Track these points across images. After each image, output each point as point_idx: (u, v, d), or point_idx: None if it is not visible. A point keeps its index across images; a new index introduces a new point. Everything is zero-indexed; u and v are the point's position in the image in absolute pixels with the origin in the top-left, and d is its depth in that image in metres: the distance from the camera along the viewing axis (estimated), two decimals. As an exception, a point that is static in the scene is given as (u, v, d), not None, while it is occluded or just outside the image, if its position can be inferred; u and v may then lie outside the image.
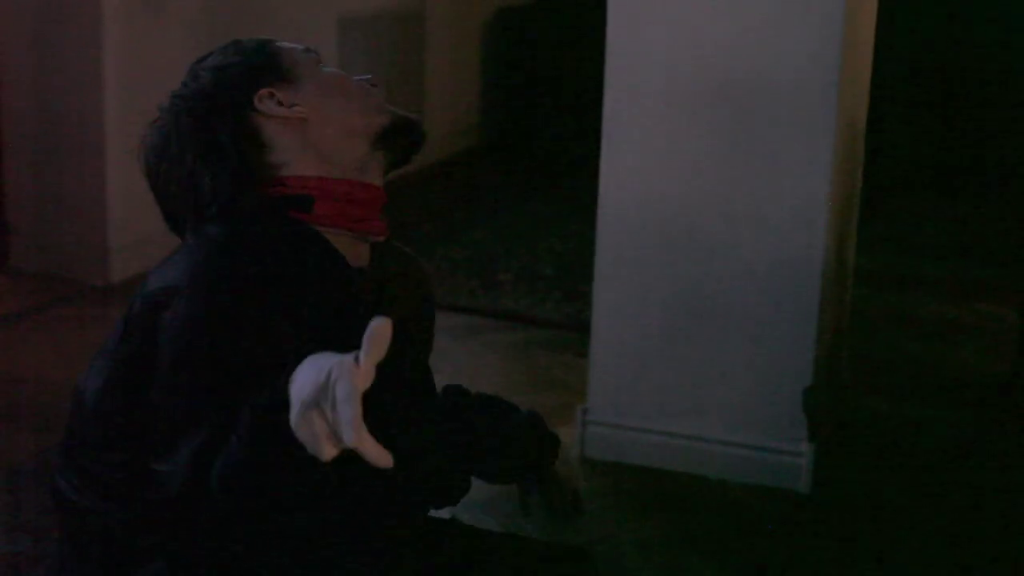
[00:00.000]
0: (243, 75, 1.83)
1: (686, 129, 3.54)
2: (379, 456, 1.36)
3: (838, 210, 3.62)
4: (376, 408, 1.56)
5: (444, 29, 7.17)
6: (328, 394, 1.38)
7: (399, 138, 1.86)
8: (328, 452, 1.40)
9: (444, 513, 2.04)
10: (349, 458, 1.40)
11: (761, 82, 3.46)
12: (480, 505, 3.49)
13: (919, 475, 3.75)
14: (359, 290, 1.81)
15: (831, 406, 3.85)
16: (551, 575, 1.98)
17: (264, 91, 1.82)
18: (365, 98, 1.86)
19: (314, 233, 1.78)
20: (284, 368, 1.49)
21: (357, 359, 1.37)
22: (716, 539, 3.38)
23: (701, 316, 3.61)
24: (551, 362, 4.47)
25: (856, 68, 3.69)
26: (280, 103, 1.82)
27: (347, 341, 1.50)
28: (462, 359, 4.41)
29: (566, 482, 2.07)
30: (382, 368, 1.37)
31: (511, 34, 7.62)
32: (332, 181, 1.80)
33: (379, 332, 1.35)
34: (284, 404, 1.45)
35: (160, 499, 1.63)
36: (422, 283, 2.00)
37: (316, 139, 1.82)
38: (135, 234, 4.92)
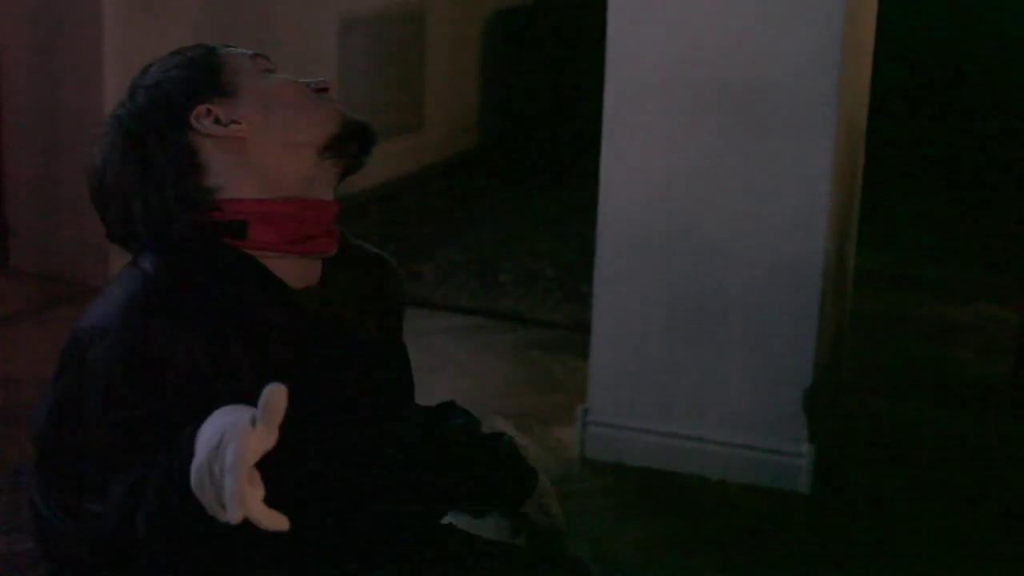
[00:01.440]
0: (179, 92, 1.74)
1: (687, 130, 3.54)
2: (271, 522, 1.32)
3: (838, 211, 3.62)
4: (308, 439, 1.60)
5: (444, 29, 7.17)
6: (218, 459, 1.35)
7: (348, 145, 1.77)
8: (223, 516, 1.36)
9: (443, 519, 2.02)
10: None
11: (761, 83, 3.46)
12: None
13: (919, 475, 3.75)
14: (307, 311, 1.74)
15: (831, 407, 3.85)
16: None
17: (201, 108, 1.72)
18: (311, 109, 1.75)
19: (248, 259, 1.71)
20: (216, 404, 1.46)
21: (254, 420, 1.34)
22: (716, 540, 3.38)
23: (701, 317, 3.61)
24: (551, 362, 4.47)
25: (857, 68, 3.69)
26: (218, 120, 1.72)
27: (300, 363, 1.47)
28: (463, 360, 4.41)
29: (545, 515, 2.01)
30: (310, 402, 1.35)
31: (511, 35, 7.62)
32: (272, 203, 1.71)
33: (273, 399, 1.32)
34: (190, 456, 1.42)
35: (96, 540, 1.58)
36: (385, 284, 1.90)
37: (257, 158, 1.72)
38: (135, 234, 4.91)
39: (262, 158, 1.72)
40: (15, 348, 4.49)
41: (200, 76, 1.75)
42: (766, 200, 3.50)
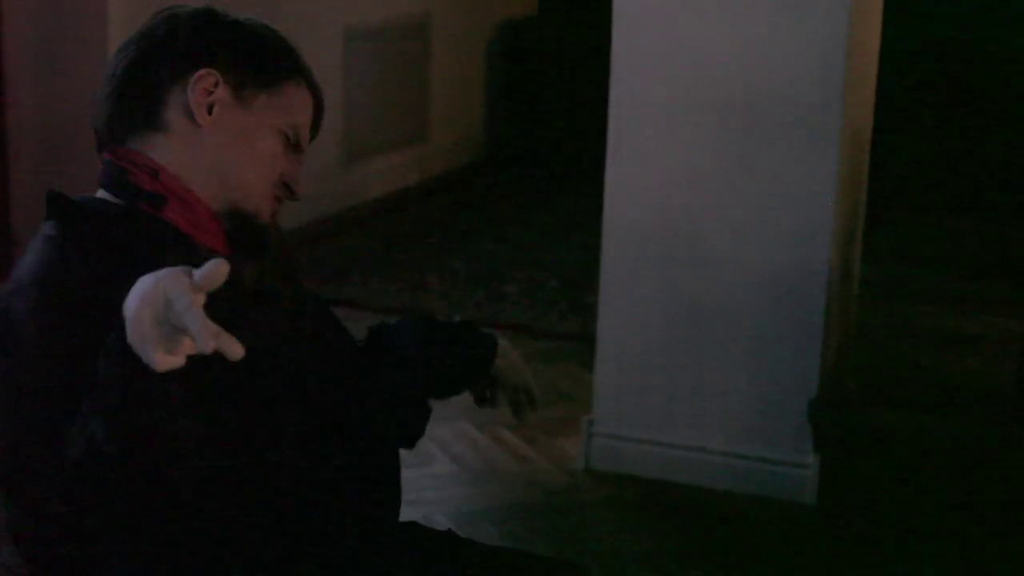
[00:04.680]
0: (203, 44, 1.75)
1: (691, 140, 3.54)
2: (231, 348, 1.35)
3: (843, 220, 3.62)
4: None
5: (449, 41, 7.18)
6: (160, 302, 1.37)
7: (233, 223, 1.77)
8: (160, 361, 1.39)
9: (441, 525, 2.03)
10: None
11: (766, 93, 3.46)
12: (479, 514, 3.49)
13: (925, 486, 3.74)
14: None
15: (836, 417, 3.84)
16: None
17: (211, 73, 1.73)
18: (263, 184, 1.77)
19: (161, 222, 1.73)
20: None
21: (188, 273, 1.38)
22: (722, 551, 3.38)
23: (706, 327, 3.61)
24: (556, 374, 4.47)
25: (861, 78, 3.69)
26: (208, 91, 1.73)
27: (220, 317, 1.45)
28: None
29: (514, 377, 2.10)
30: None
31: (516, 46, 7.63)
32: (196, 200, 1.74)
33: (217, 268, 1.36)
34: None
35: (63, 478, 1.54)
36: (281, 246, 1.90)
37: (208, 150, 1.74)
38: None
39: (210, 154, 1.74)
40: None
41: (259, 55, 1.80)
42: (771, 211, 3.50)
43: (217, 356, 1.37)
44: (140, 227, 1.72)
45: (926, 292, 5.47)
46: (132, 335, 1.41)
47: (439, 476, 3.69)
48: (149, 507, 1.56)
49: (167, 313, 1.37)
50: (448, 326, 2.06)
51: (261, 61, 1.80)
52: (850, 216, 3.76)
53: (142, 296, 1.40)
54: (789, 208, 3.49)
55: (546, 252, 5.87)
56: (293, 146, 1.80)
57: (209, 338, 1.34)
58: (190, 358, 1.42)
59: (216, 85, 1.73)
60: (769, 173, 3.49)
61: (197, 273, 1.37)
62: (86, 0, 4.90)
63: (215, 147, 1.74)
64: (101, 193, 1.79)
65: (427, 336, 2.01)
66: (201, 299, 1.37)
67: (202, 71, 1.73)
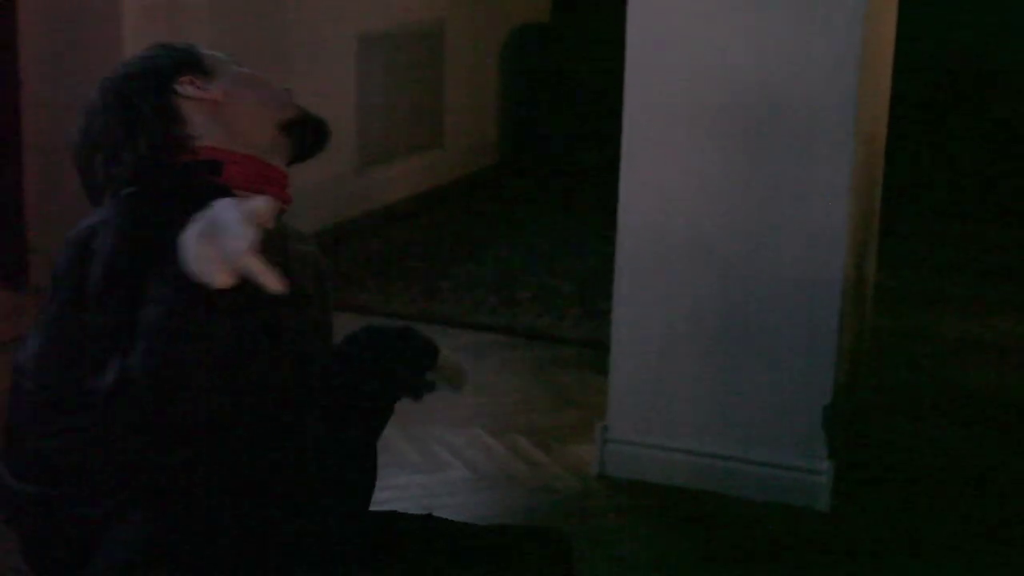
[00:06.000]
0: (167, 64, 2.04)
1: (705, 147, 3.54)
2: (275, 282, 1.57)
3: (857, 228, 3.62)
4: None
5: (463, 47, 7.19)
6: (218, 225, 1.59)
7: (304, 131, 2.04)
8: (220, 279, 1.59)
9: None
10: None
11: (780, 100, 3.46)
12: (493, 520, 3.49)
13: (939, 493, 3.73)
14: (276, 237, 1.96)
15: (850, 424, 3.84)
16: (527, 556, 2.04)
17: (186, 78, 2.03)
18: (273, 93, 2.06)
19: (225, 188, 1.92)
20: None
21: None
22: (735, 557, 3.37)
23: (720, 334, 3.61)
24: (570, 380, 4.47)
25: (875, 83, 3.69)
26: (198, 88, 2.02)
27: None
28: (481, 377, 4.41)
29: (451, 374, 2.17)
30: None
31: (530, 52, 7.64)
32: (239, 155, 1.97)
33: (269, 206, 1.59)
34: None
35: (99, 406, 1.69)
36: (317, 260, 2.14)
37: (228, 118, 2.00)
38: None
39: (232, 119, 2.01)
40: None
41: (184, 58, 2.07)
42: (785, 217, 3.50)
43: (255, 305, 1.59)
44: (203, 185, 1.92)
45: (941, 299, 5.46)
46: (191, 256, 1.61)
47: (453, 482, 3.69)
48: (164, 452, 1.75)
49: (223, 238, 1.58)
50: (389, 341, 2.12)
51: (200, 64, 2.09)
52: (864, 223, 3.76)
53: (205, 220, 1.61)
54: (804, 215, 3.49)
55: (560, 258, 5.87)
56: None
57: (258, 263, 1.56)
58: (234, 303, 1.63)
59: (192, 82, 2.04)
60: (783, 180, 3.49)
61: (249, 205, 1.59)
62: (101, 4, 4.91)
63: (222, 110, 2.02)
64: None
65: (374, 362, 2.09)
66: (252, 232, 1.57)
67: (182, 79, 2.04)
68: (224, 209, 1.60)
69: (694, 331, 3.63)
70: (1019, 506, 3.68)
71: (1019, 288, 5.59)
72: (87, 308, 1.76)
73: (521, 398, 4.30)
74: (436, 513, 2.12)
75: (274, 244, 1.85)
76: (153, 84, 2.02)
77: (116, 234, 1.79)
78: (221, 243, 1.58)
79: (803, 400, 3.56)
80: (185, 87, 2.01)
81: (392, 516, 2.10)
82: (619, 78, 3.61)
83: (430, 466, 3.70)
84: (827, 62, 3.40)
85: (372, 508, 2.03)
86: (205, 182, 1.93)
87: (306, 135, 2.05)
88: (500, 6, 7.53)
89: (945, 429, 4.17)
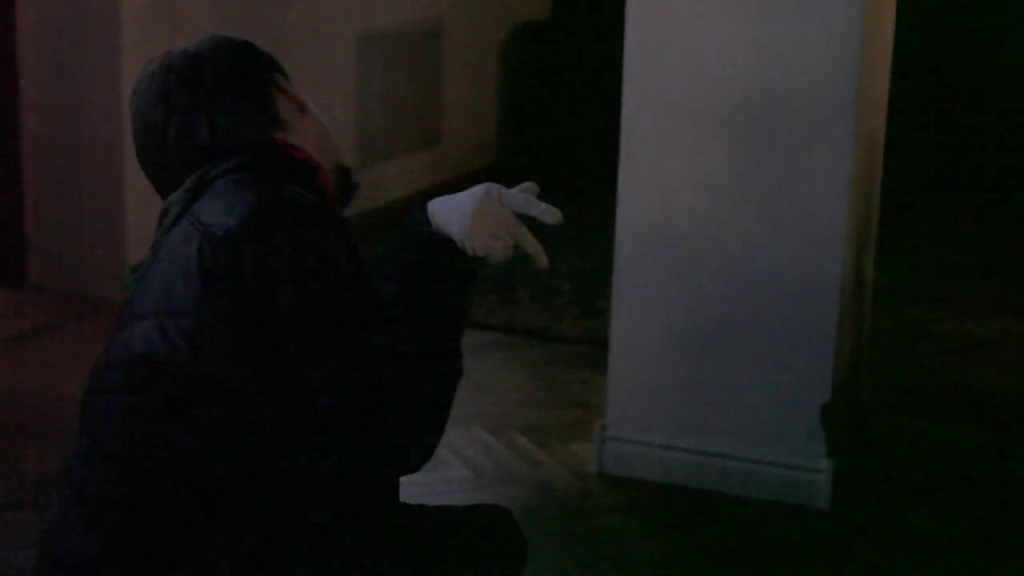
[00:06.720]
0: (265, 57, 2.06)
1: (704, 145, 3.54)
2: (541, 252, 1.98)
3: (857, 226, 3.62)
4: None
5: (462, 46, 7.19)
6: (498, 208, 1.93)
7: (344, 181, 2.09)
8: (502, 253, 1.94)
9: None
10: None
11: (780, 98, 3.46)
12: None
13: (939, 491, 3.73)
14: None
15: (849, 422, 3.84)
16: (472, 532, 2.14)
17: (280, 77, 2.05)
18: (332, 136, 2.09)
19: (321, 188, 1.98)
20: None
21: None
22: (734, 556, 3.37)
23: (719, 332, 3.61)
24: (569, 379, 4.47)
25: (875, 82, 3.69)
26: (290, 87, 2.05)
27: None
28: (480, 375, 4.41)
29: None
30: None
31: (529, 51, 7.64)
32: (321, 165, 2.01)
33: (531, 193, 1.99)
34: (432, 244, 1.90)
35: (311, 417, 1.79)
36: None
37: (304, 130, 2.02)
38: (154, 251, 4.92)
39: (312, 132, 2.04)
40: (37, 364, 4.50)
41: (277, 65, 2.08)
42: (784, 215, 3.50)
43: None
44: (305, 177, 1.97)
45: (941, 297, 5.46)
46: (475, 240, 1.89)
47: (452, 481, 3.69)
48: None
49: (499, 215, 1.90)
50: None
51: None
52: (864, 221, 3.76)
53: (472, 200, 1.91)
54: (803, 213, 3.49)
55: (559, 257, 5.87)
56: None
57: (532, 238, 1.93)
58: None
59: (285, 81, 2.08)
60: (783, 178, 3.49)
61: (504, 191, 1.95)
62: (101, 4, 4.91)
63: (305, 116, 2.06)
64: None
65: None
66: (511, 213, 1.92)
67: (277, 76, 2.06)
68: (486, 189, 1.88)
69: (693, 330, 3.63)
70: (1019, 506, 3.68)
71: (1019, 288, 5.60)
72: (283, 312, 1.75)
73: (520, 397, 4.31)
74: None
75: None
76: (267, 64, 2.04)
77: (300, 242, 1.78)
78: (497, 220, 1.87)
79: (802, 399, 3.56)
80: (281, 79, 2.04)
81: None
82: (618, 77, 3.61)
83: (429, 465, 3.69)
84: (827, 62, 3.40)
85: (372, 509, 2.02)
86: (310, 176, 1.96)
87: (342, 185, 2.08)
88: (499, 4, 7.53)
89: (945, 427, 4.17)
